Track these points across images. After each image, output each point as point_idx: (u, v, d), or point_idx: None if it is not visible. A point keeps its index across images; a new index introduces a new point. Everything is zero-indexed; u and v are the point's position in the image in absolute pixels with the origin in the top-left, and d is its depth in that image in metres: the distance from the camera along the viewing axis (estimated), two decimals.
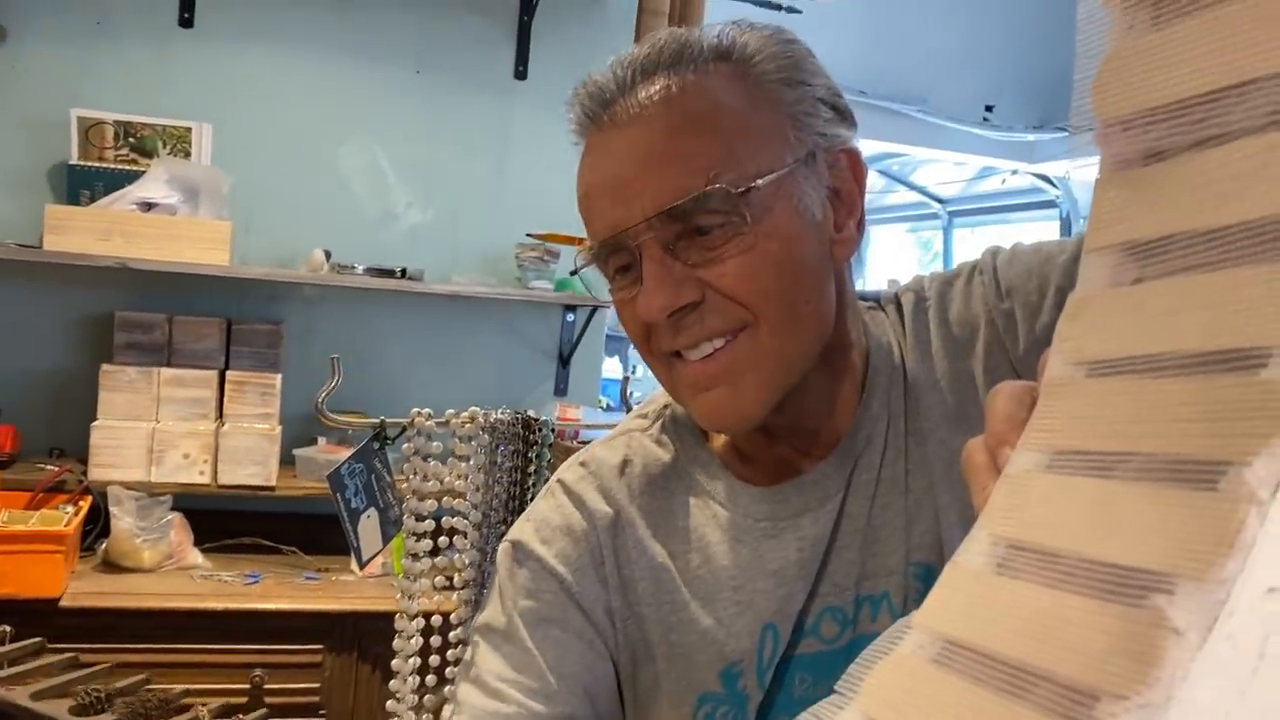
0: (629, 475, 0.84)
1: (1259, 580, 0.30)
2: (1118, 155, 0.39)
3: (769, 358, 0.72)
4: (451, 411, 1.08)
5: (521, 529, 0.86)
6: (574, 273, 0.79)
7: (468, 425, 1.07)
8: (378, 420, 1.07)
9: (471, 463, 1.06)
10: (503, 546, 0.86)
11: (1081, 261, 0.40)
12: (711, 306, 0.71)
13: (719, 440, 0.85)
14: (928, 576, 0.75)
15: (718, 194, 0.69)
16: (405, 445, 1.04)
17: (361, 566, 1.05)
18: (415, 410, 1.06)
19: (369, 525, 1.04)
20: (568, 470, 0.87)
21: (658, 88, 0.72)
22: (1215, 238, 0.34)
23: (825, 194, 0.74)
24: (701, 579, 0.80)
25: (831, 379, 0.79)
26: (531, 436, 1.08)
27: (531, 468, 1.09)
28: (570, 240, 2.80)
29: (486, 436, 1.06)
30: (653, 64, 0.73)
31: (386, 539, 1.07)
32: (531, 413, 1.11)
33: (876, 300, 0.86)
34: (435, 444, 1.07)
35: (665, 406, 0.88)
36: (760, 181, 0.70)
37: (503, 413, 1.08)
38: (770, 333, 0.71)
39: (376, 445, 1.05)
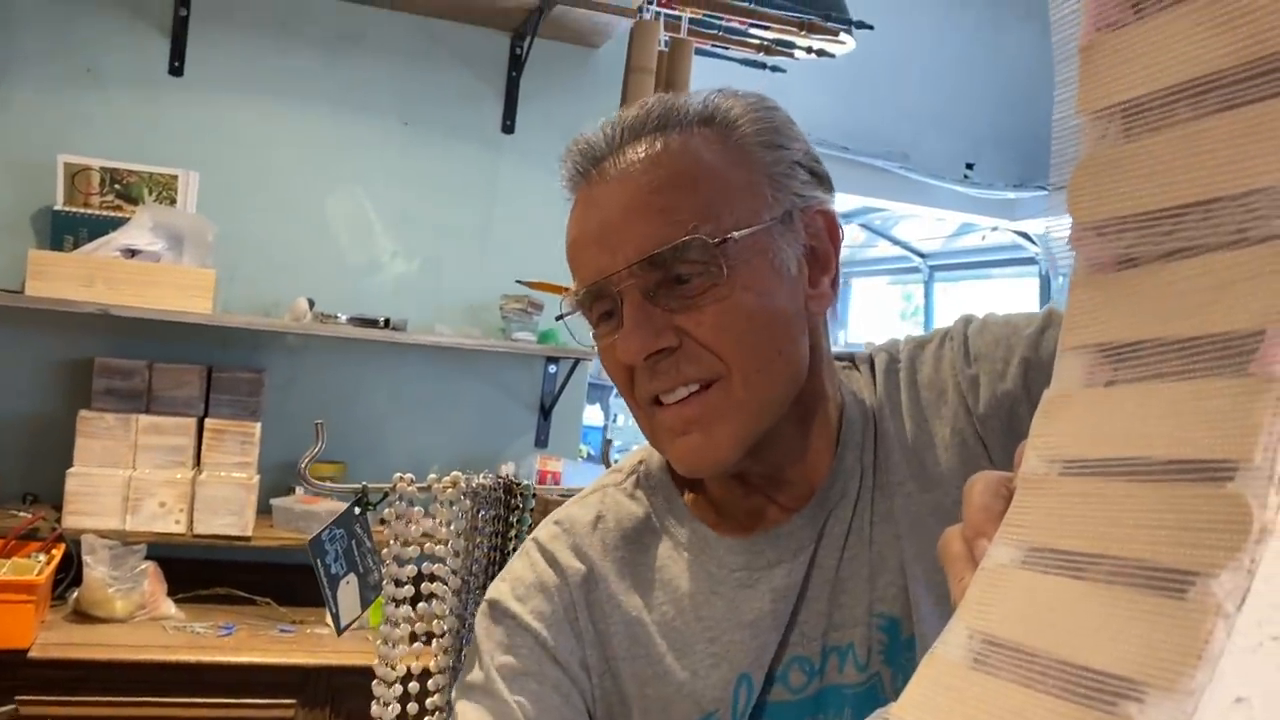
0: (602, 530, 0.86)
1: (1227, 690, 0.30)
2: (1092, 258, 0.40)
3: (740, 407, 0.75)
4: (433, 476, 1.08)
5: (498, 588, 0.87)
6: (559, 318, 0.83)
7: (449, 490, 1.07)
8: (359, 485, 1.07)
9: (452, 527, 1.06)
10: (481, 606, 0.88)
11: (1056, 359, 0.41)
12: (687, 353, 0.74)
13: (693, 493, 0.86)
14: (891, 629, 0.77)
15: (696, 244, 0.72)
16: (387, 510, 1.04)
17: (340, 633, 1.05)
18: (398, 475, 1.06)
19: (348, 591, 1.04)
20: (542, 529, 0.89)
21: (644, 147, 0.76)
22: (1185, 347, 0.35)
23: (801, 251, 0.78)
24: (677, 630, 0.81)
25: (806, 429, 0.81)
26: (513, 501, 1.08)
27: (513, 532, 1.09)
28: (557, 289, 2.81)
29: (468, 501, 1.06)
30: (640, 125, 0.77)
31: (366, 604, 1.07)
32: (513, 475, 1.11)
33: (851, 359, 0.89)
34: (416, 508, 1.07)
35: (640, 462, 0.90)
36: (737, 234, 0.73)
37: (485, 477, 1.08)
38: (742, 383, 0.74)
39: (358, 510, 1.05)
